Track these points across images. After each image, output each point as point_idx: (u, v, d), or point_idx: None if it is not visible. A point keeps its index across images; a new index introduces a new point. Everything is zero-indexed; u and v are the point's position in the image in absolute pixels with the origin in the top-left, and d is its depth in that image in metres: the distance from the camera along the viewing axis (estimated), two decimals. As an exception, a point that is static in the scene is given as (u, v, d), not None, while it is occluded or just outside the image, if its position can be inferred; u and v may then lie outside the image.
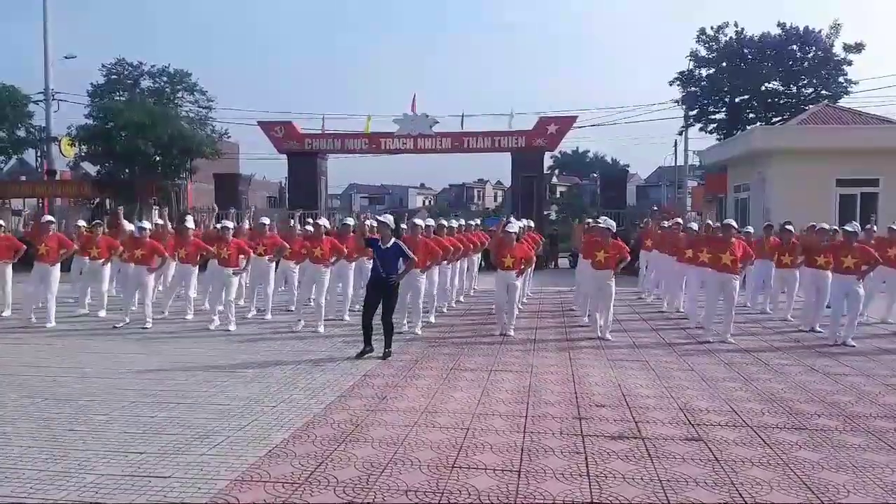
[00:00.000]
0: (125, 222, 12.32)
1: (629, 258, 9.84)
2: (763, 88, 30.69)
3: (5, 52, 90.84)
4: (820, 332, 9.55)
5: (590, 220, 11.40)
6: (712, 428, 5.26)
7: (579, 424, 5.33)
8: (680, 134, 37.17)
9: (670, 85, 32.68)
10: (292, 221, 11.71)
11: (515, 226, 10.15)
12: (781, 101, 31.32)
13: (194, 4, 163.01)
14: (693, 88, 31.99)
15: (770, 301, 11.70)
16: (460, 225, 13.01)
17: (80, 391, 6.31)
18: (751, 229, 12.28)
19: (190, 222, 11.15)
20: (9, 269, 11.22)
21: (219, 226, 10.65)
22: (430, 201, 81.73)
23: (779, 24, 30.78)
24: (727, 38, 31.18)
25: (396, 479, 4.18)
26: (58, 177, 25.76)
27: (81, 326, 10.25)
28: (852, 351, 8.44)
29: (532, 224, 12.88)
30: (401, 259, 7.94)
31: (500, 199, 74.32)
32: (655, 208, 23.13)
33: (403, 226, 9.90)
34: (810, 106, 26.51)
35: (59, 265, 10.53)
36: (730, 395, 6.27)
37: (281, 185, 38.16)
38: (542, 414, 5.61)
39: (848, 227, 9.36)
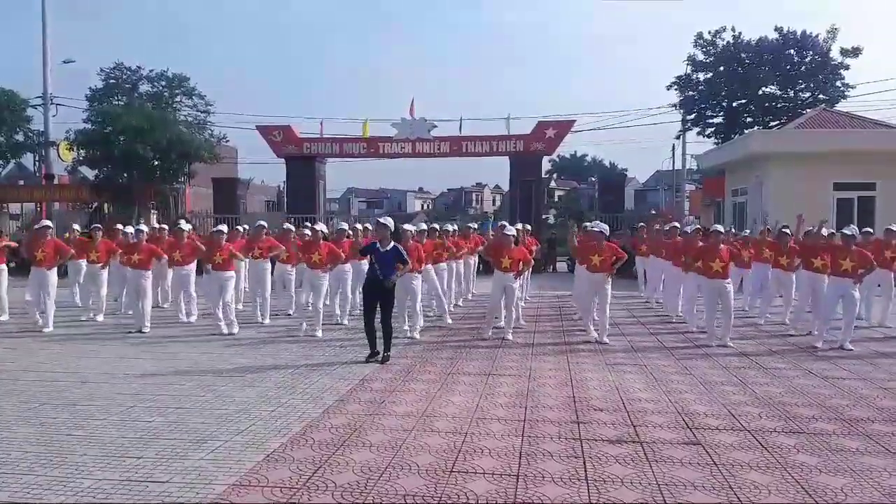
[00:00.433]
0: (121, 227, 12.33)
1: (625, 258, 9.87)
2: (760, 92, 30.78)
3: (4, 57, 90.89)
4: (815, 334, 9.54)
5: (587, 224, 11.39)
6: (710, 432, 5.26)
7: (577, 428, 5.33)
8: (678, 138, 37.37)
9: (668, 89, 32.79)
10: (286, 225, 11.70)
11: (512, 228, 10.15)
12: (779, 106, 31.41)
13: (193, 9, 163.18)
14: (691, 93, 32.06)
15: (766, 304, 11.70)
16: (455, 230, 13.04)
17: (78, 396, 6.30)
18: (748, 232, 12.30)
19: (185, 225, 11.16)
20: (3, 274, 11.21)
21: (213, 230, 10.64)
22: (428, 205, 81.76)
23: (776, 29, 30.92)
24: (724, 43, 31.28)
25: (395, 484, 4.18)
26: (56, 181, 25.77)
27: (79, 331, 10.24)
28: (850, 355, 8.45)
29: (529, 227, 12.92)
30: (399, 262, 7.95)
31: (498, 203, 74.35)
32: (654, 212, 23.17)
33: (409, 227, 9.88)
34: (808, 110, 26.58)
35: (56, 270, 10.53)
36: (727, 398, 6.27)
37: (279, 188, 38.16)
38: (541, 418, 5.61)
39: (846, 231, 9.38)
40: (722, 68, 31.07)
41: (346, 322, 10.60)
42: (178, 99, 30.26)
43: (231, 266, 10.06)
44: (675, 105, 32.52)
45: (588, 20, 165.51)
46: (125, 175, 23.14)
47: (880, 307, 10.81)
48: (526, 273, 11.41)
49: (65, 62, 28.20)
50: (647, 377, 7.16)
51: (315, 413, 5.73)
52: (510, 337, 9.40)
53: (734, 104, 31.45)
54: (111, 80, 30.15)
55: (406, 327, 9.57)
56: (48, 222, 10.95)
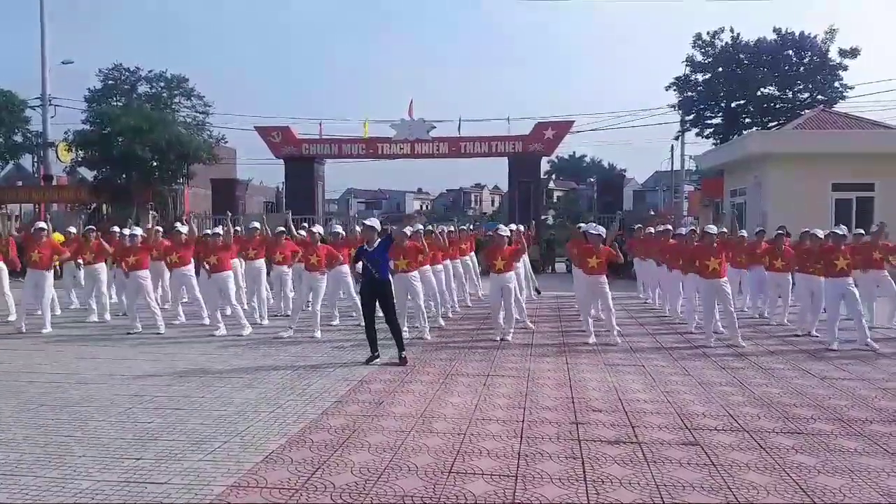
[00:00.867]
0: (117, 229, 12.31)
1: (621, 260, 9.89)
2: (759, 93, 30.77)
3: (2, 58, 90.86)
4: (816, 336, 9.57)
5: (581, 225, 11.37)
6: (709, 432, 5.27)
7: (576, 429, 5.33)
8: (676, 139, 37.39)
9: (666, 90, 32.78)
10: (281, 228, 11.70)
11: (506, 230, 10.14)
12: (777, 106, 31.41)
13: (192, 10, 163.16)
14: (689, 93, 32.07)
15: (768, 306, 11.71)
16: (451, 231, 13.05)
17: (77, 397, 6.30)
18: (744, 233, 12.30)
19: (182, 227, 11.17)
20: (4, 273, 11.21)
21: (209, 231, 10.64)
22: (427, 206, 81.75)
23: (774, 30, 30.91)
24: (723, 44, 31.28)
25: (393, 485, 4.18)
26: (54, 182, 25.75)
27: (78, 332, 10.24)
28: (848, 355, 8.45)
29: (522, 228, 12.90)
30: (387, 255, 7.97)
31: (497, 204, 74.37)
32: (652, 213, 23.17)
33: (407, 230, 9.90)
34: (806, 111, 26.56)
35: (52, 271, 10.53)
36: (726, 399, 6.28)
37: (278, 189, 38.13)
38: (539, 419, 5.61)
39: (837, 231, 9.39)
40: (721, 69, 31.06)
41: (336, 322, 10.62)
42: (176, 100, 30.24)
43: (227, 266, 10.07)
44: (673, 106, 32.53)
45: (588, 20, 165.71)
46: (124, 176, 23.14)
47: (886, 309, 10.77)
48: (524, 266, 11.37)
49: (63, 63, 28.22)
50: (646, 378, 7.16)
51: (314, 414, 5.73)
52: (509, 338, 9.40)
53: (733, 105, 31.45)
54: (110, 81, 30.14)
55: (406, 328, 9.56)
56: (43, 224, 10.98)
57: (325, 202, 28.89)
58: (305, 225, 11.66)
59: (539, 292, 14.67)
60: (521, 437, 5.12)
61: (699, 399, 6.29)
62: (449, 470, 4.44)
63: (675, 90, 32.35)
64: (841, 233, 9.28)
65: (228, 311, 10.39)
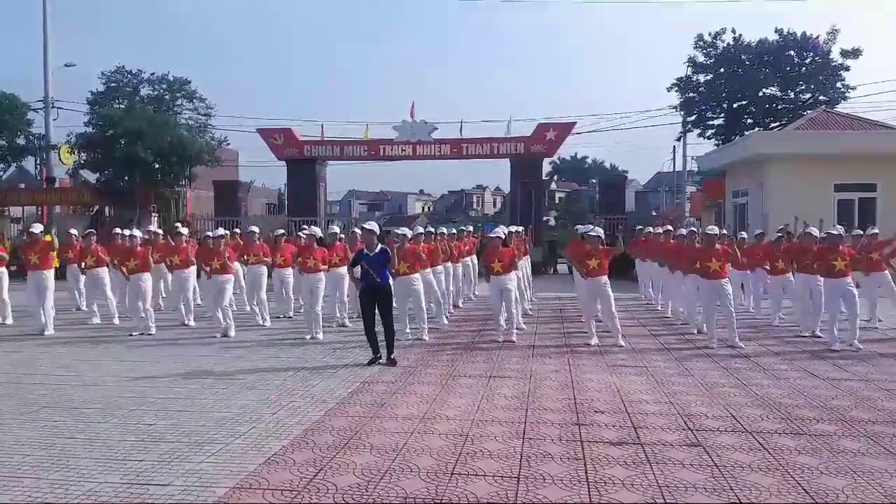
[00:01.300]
0: (119, 231, 12.33)
1: (621, 249, 9.91)
2: (761, 94, 30.73)
3: (5, 61, 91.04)
4: (820, 336, 9.54)
5: (578, 227, 11.38)
6: (711, 433, 5.26)
7: (578, 430, 5.33)
8: (678, 140, 37.37)
9: (668, 91, 32.76)
10: (280, 231, 11.74)
11: (501, 231, 10.12)
12: (779, 107, 31.37)
13: (194, 12, 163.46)
14: (691, 94, 32.05)
15: (771, 308, 11.67)
16: (451, 233, 13.06)
17: (79, 399, 6.31)
18: (744, 234, 12.29)
19: (182, 230, 11.20)
20: (4, 278, 11.24)
21: (208, 234, 10.64)
22: (429, 207, 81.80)
23: (776, 30, 30.87)
24: (725, 45, 31.25)
25: (396, 486, 4.18)
26: (57, 184, 25.82)
27: (81, 334, 10.25)
28: (850, 356, 8.43)
29: (521, 229, 12.90)
30: (388, 263, 7.98)
31: (499, 206, 74.36)
32: (655, 214, 23.14)
33: (406, 231, 9.91)
34: (808, 111, 26.54)
35: (53, 271, 10.54)
36: (728, 400, 6.27)
37: (280, 191, 38.19)
38: (542, 420, 5.61)
39: (832, 231, 9.37)
40: (722, 70, 31.03)
41: (349, 324, 10.63)
42: (178, 102, 30.33)
43: (229, 270, 10.08)
44: (675, 107, 32.51)
45: (589, 21, 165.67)
46: (126, 178, 23.18)
47: (892, 311, 10.75)
48: (524, 266, 11.35)
49: (66, 66, 28.29)
50: (648, 379, 7.15)
51: (316, 415, 5.73)
52: (514, 339, 9.40)
53: (735, 105, 31.41)
54: (112, 84, 30.23)
55: (408, 330, 9.57)
56: (39, 226, 11.03)
57: (327, 204, 28.90)
58: (305, 227, 11.66)
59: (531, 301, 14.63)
60: (524, 439, 5.11)
61: (701, 400, 6.28)
62: (451, 471, 4.43)
63: (676, 91, 32.34)
64: (836, 233, 9.25)
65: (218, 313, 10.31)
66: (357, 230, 11.36)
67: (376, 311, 7.91)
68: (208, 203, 27.34)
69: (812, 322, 9.86)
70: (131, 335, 9.93)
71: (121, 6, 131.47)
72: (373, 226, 8.31)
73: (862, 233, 11.04)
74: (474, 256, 13.99)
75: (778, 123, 30.06)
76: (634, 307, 13.33)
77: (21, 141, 25.55)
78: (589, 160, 75.68)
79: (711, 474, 4.40)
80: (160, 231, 11.94)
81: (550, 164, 58.25)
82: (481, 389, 6.65)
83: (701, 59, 31.70)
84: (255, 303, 11.31)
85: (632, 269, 15.10)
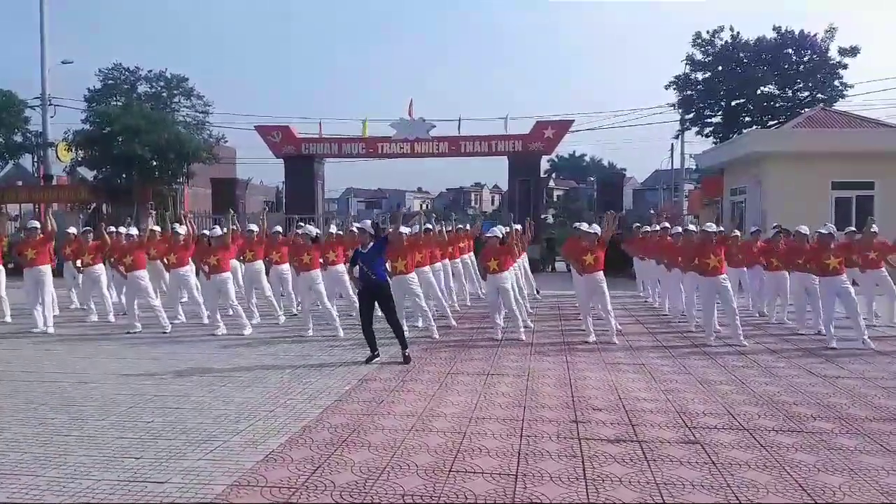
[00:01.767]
0: (113, 228, 12.31)
1: (608, 235, 9.91)
2: (759, 92, 30.73)
3: (2, 58, 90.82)
4: (825, 334, 9.46)
5: (576, 225, 11.37)
6: (709, 431, 5.27)
7: (576, 428, 5.33)
8: (676, 137, 37.38)
9: (666, 89, 32.76)
10: (278, 227, 11.74)
11: (499, 230, 10.12)
12: (777, 105, 31.37)
13: (192, 10, 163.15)
14: (689, 92, 32.05)
15: (766, 305, 11.71)
16: (448, 230, 13.05)
17: (77, 396, 6.30)
18: (738, 233, 12.29)
19: (179, 228, 11.17)
20: (2, 275, 11.22)
21: (206, 231, 10.63)
22: (427, 205, 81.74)
23: (774, 28, 30.88)
24: (723, 42, 31.25)
25: (393, 484, 4.18)
26: (54, 182, 25.74)
27: (79, 331, 10.24)
28: (848, 353, 8.44)
29: (519, 227, 12.87)
30: (383, 256, 7.98)
31: (496, 203, 74.35)
32: (652, 212, 23.16)
33: (407, 228, 9.95)
34: (806, 109, 26.56)
35: (50, 268, 10.53)
36: (726, 398, 6.28)
37: (278, 189, 38.17)
38: (539, 418, 5.62)
39: (822, 230, 9.33)
40: (720, 68, 31.02)
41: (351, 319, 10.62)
42: (176, 99, 30.30)
43: (226, 267, 10.07)
44: (673, 104, 32.51)
45: (588, 20, 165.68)
46: (123, 176, 23.13)
47: (886, 307, 10.78)
48: (525, 271, 11.36)
49: (63, 63, 28.22)
50: (646, 376, 7.16)
51: (314, 413, 5.73)
52: (523, 337, 9.39)
53: (733, 103, 31.40)
54: (109, 81, 30.18)
55: (406, 328, 9.56)
56: (36, 223, 10.99)
57: (325, 202, 28.89)
58: (302, 224, 11.65)
59: (538, 292, 14.65)
60: (521, 436, 5.12)
61: (699, 398, 6.29)
62: (449, 469, 4.44)
63: (674, 89, 32.33)
64: (826, 231, 9.21)
65: (231, 312, 10.42)
66: (353, 228, 11.35)
67: (375, 310, 7.92)
68: (206, 200, 27.28)
69: (814, 321, 9.87)
70: (128, 333, 9.92)
71: (119, 4, 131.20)
72: (365, 224, 8.33)
73: (856, 230, 11.02)
74: (472, 254, 13.98)
75: (776, 121, 30.08)
76: (632, 305, 13.34)
77: (18, 138, 25.46)
78: (587, 158, 75.67)
79: (709, 472, 4.41)
80: (158, 228, 11.89)
81: (548, 161, 58.11)
82: (479, 387, 6.66)
83: (699, 56, 31.71)
84: (252, 301, 11.31)
85: (630, 267, 15.11)
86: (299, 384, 6.78)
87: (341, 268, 10.55)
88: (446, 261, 11.99)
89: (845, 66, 30.36)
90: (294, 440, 5.02)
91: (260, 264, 11.31)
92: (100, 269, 11.45)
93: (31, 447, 4.87)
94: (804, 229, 10.01)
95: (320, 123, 24.32)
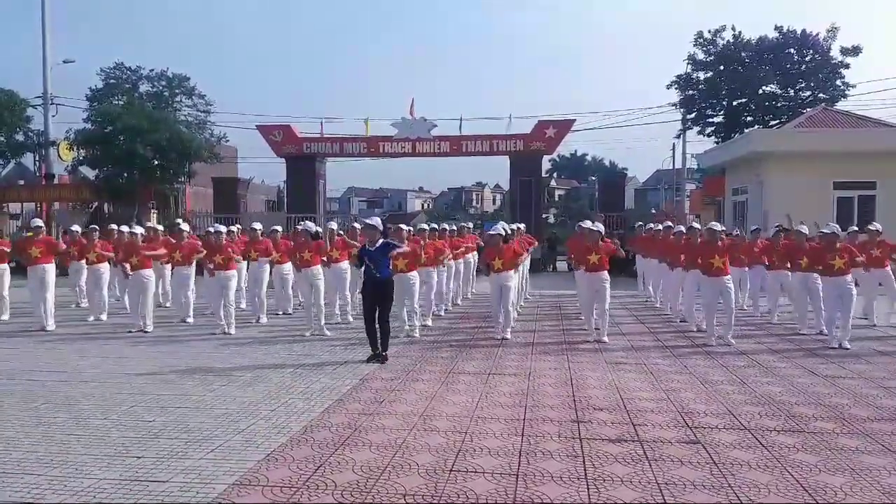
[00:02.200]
0: (117, 227, 12.32)
1: (619, 252, 9.91)
2: (761, 92, 30.72)
3: (4, 57, 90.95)
4: (826, 335, 9.43)
5: (580, 224, 11.37)
6: (710, 431, 5.27)
7: (577, 428, 5.33)
8: (678, 137, 37.33)
9: (668, 88, 32.74)
10: (278, 227, 11.74)
11: (500, 228, 10.10)
12: (779, 105, 31.35)
13: (194, 10, 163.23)
14: (691, 92, 32.03)
15: (769, 304, 11.69)
16: (452, 230, 13.06)
17: (78, 395, 6.31)
18: (737, 231, 12.30)
19: (184, 225, 11.18)
20: (6, 274, 11.23)
21: (211, 229, 10.62)
22: (428, 205, 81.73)
23: (776, 28, 30.86)
24: (725, 42, 31.23)
25: (395, 483, 4.18)
26: (56, 181, 25.78)
27: (81, 330, 10.25)
28: (849, 354, 8.44)
29: (523, 227, 12.88)
30: (390, 255, 7.97)
31: (498, 203, 74.33)
32: (654, 211, 23.14)
33: (407, 228, 9.94)
34: (808, 109, 26.54)
35: (53, 266, 10.53)
36: (727, 397, 6.27)
37: (279, 188, 38.16)
38: (541, 417, 5.61)
39: (825, 230, 9.31)
40: (722, 67, 31.01)
41: (350, 319, 10.63)
42: (178, 98, 30.31)
43: (232, 266, 10.06)
44: (675, 104, 32.49)
45: (588, 19, 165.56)
46: (125, 175, 23.16)
47: (885, 306, 10.78)
48: (523, 269, 11.36)
49: (65, 62, 28.22)
50: (647, 376, 7.16)
51: (315, 412, 5.73)
52: (508, 336, 9.40)
53: (734, 103, 31.39)
54: (111, 80, 30.20)
55: (407, 327, 9.58)
56: (39, 221, 10.98)
57: (326, 201, 28.88)
58: (301, 223, 11.65)
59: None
60: (523, 436, 5.12)
61: (700, 397, 6.28)
62: (450, 468, 4.44)
63: (676, 88, 32.32)
64: (831, 231, 9.18)
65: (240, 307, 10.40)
66: (357, 224, 11.36)
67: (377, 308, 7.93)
68: (207, 200, 27.31)
69: (816, 321, 9.86)
70: (130, 332, 9.92)
71: (120, 3, 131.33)
72: (375, 221, 8.32)
73: (858, 230, 11.02)
74: (475, 253, 13.99)
75: (777, 121, 30.05)
76: (633, 304, 13.34)
77: (20, 137, 25.51)
78: (588, 157, 75.65)
79: (710, 472, 4.40)
80: (160, 227, 11.90)
81: (550, 161, 58.18)
82: (480, 386, 6.66)
83: (701, 56, 31.69)
84: (253, 300, 11.32)
85: (632, 266, 15.10)
86: (300, 383, 6.78)
87: (344, 265, 10.55)
88: (451, 261, 11.97)
89: (847, 66, 30.35)
90: (295, 439, 5.02)
91: (264, 263, 11.26)
92: (104, 267, 11.46)
93: (33, 446, 4.87)
94: (804, 228, 10.00)
95: (321, 123, 24.36)
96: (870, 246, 10.36)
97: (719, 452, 4.76)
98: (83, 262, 11.79)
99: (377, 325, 7.89)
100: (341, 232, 11.38)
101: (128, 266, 10.25)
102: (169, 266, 11.65)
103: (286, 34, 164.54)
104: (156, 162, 23.18)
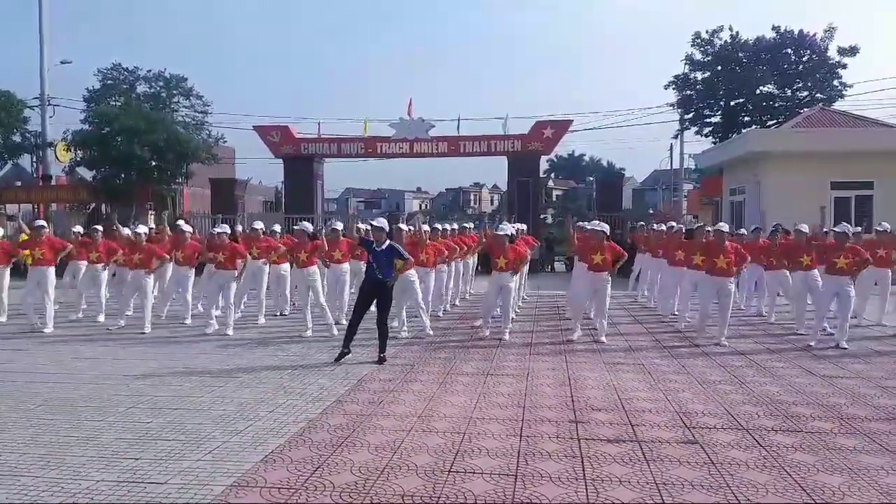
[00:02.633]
0: (121, 227, 12.33)
1: (626, 256, 9.92)
2: (758, 92, 30.77)
3: (2, 58, 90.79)
4: (832, 332, 9.38)
5: (585, 224, 11.37)
6: (708, 431, 5.27)
7: (575, 428, 5.33)
8: (675, 137, 37.39)
9: (665, 89, 32.78)
10: (277, 227, 11.75)
11: (508, 228, 10.13)
12: (776, 105, 31.41)
13: (192, 10, 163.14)
14: (688, 92, 32.06)
15: (766, 304, 11.71)
16: (454, 229, 13.05)
17: (76, 397, 6.29)
18: (743, 231, 12.32)
19: (185, 225, 11.17)
20: (6, 275, 11.21)
21: (215, 230, 10.62)
22: (426, 205, 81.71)
23: (773, 28, 30.91)
24: (722, 42, 31.28)
25: (393, 484, 4.18)
26: (53, 182, 25.74)
27: (77, 332, 10.22)
28: (847, 353, 8.46)
29: (525, 227, 12.89)
30: (395, 261, 7.96)
31: (496, 203, 74.33)
32: (652, 211, 23.17)
33: (404, 227, 9.94)
34: (805, 109, 26.59)
35: (54, 268, 10.52)
36: (725, 397, 6.28)
37: (277, 189, 38.14)
38: (539, 418, 5.61)
39: (836, 229, 9.36)
40: (720, 67, 31.07)
41: (344, 321, 10.60)
42: (175, 99, 30.24)
43: (233, 265, 10.04)
44: (672, 104, 32.53)
45: (587, 19, 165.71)
46: (122, 176, 23.11)
47: (877, 306, 10.82)
48: (523, 271, 11.40)
49: (62, 63, 28.19)
50: (645, 376, 7.16)
51: (313, 413, 5.72)
52: (507, 337, 9.39)
53: (732, 103, 31.43)
54: (108, 81, 30.11)
55: (405, 328, 9.57)
56: (43, 222, 10.96)
57: (324, 201, 28.87)
58: (301, 221, 11.64)
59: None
60: (521, 436, 5.12)
61: (698, 398, 6.29)
62: (448, 469, 4.44)
63: (674, 89, 32.36)
64: (841, 231, 9.20)
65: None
66: (362, 225, 11.32)
67: (371, 307, 7.92)
68: (205, 201, 27.26)
69: (816, 322, 9.85)
70: (109, 330, 9.93)
71: (118, 4, 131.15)
72: (381, 222, 8.29)
73: (860, 229, 11.06)
74: (475, 256, 13.98)
75: (775, 121, 30.11)
76: (631, 305, 13.35)
77: (17, 138, 25.43)
78: (586, 158, 75.67)
79: (708, 472, 4.41)
80: (165, 227, 11.89)
81: (547, 161, 58.18)
82: (478, 387, 6.65)
83: (698, 56, 31.72)
84: (252, 300, 11.31)
85: (629, 265, 15.08)
86: (299, 384, 6.77)
87: (344, 267, 10.54)
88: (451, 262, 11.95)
89: (844, 66, 30.41)
90: (293, 440, 5.02)
91: (264, 263, 11.24)
92: (101, 267, 11.44)
93: (30, 448, 4.86)
94: (804, 227, 10.02)
95: (319, 123, 24.39)
96: (877, 245, 10.37)
97: (717, 452, 4.76)
98: (83, 261, 11.75)
99: (375, 327, 7.88)
100: (341, 230, 11.23)
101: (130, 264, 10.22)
102: (170, 266, 11.61)
103: (285, 34, 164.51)
104: (153, 163, 23.12)
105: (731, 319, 9.43)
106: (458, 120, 23.84)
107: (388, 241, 7.98)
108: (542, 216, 27.67)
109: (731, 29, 31.19)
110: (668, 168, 44.32)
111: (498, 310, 9.78)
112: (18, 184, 28.05)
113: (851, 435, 5.17)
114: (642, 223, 15.11)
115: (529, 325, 10.85)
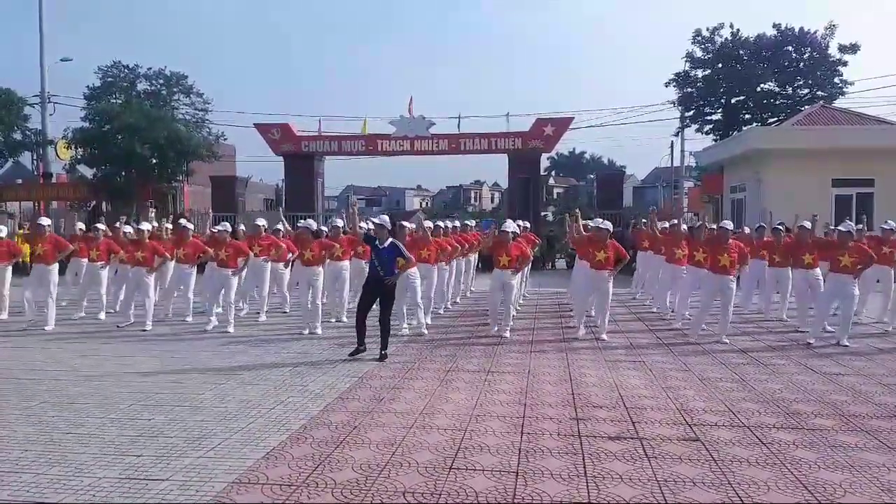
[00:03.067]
0: (123, 225, 12.33)
1: (627, 258, 9.91)
2: (759, 89, 30.72)
3: (2, 55, 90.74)
4: (832, 331, 9.38)
5: (588, 223, 11.35)
6: (709, 428, 5.27)
7: (577, 425, 5.34)
8: (676, 135, 37.34)
9: (666, 86, 32.74)
10: (280, 225, 11.73)
11: (512, 226, 10.13)
12: (777, 102, 31.37)
13: (192, 8, 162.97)
14: (689, 89, 32.02)
15: (765, 301, 11.70)
16: (455, 227, 13.03)
17: (77, 394, 6.30)
18: (747, 229, 12.32)
19: (187, 224, 11.14)
20: (8, 273, 11.22)
21: (217, 228, 10.61)
22: (426, 203, 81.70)
23: (774, 26, 30.85)
24: (723, 40, 31.22)
25: (394, 481, 4.18)
26: (54, 180, 25.74)
27: (79, 329, 10.23)
28: (848, 351, 8.46)
29: (528, 225, 12.87)
30: (397, 264, 7.95)
31: (496, 201, 74.34)
32: (653, 209, 23.14)
33: (408, 225, 9.95)
34: (806, 107, 26.56)
35: (56, 266, 10.52)
36: (727, 395, 6.28)
37: (277, 187, 38.10)
38: (540, 415, 5.62)
39: (841, 227, 9.35)
40: (720, 65, 31.02)
41: (345, 319, 10.60)
42: (176, 97, 30.20)
43: (234, 263, 10.04)
44: (673, 102, 32.48)
45: (587, 19, 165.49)
46: (123, 173, 23.10)
47: (878, 303, 10.81)
48: (525, 269, 11.38)
49: (62, 60, 28.17)
50: (646, 374, 7.16)
51: (314, 410, 5.73)
52: (507, 335, 9.39)
53: (733, 101, 31.39)
54: (109, 79, 30.06)
55: (405, 326, 9.57)
56: (45, 219, 10.95)
57: (324, 199, 28.85)
58: (302, 220, 11.61)
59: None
60: (522, 433, 5.12)
61: (700, 395, 6.29)
62: (450, 466, 4.44)
63: (674, 86, 32.31)
64: (846, 229, 9.18)
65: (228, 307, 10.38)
66: (371, 223, 11.31)
67: (374, 304, 7.92)
68: (206, 198, 27.23)
69: (817, 321, 9.85)
70: (118, 327, 9.93)
71: (118, 2, 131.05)
72: (384, 219, 8.32)
73: (862, 226, 11.03)
74: (476, 254, 13.97)
75: (776, 119, 30.07)
76: (633, 303, 13.34)
77: (17, 136, 25.40)
78: (587, 155, 75.70)
79: (709, 469, 4.41)
80: (168, 225, 11.87)
81: (548, 159, 58.24)
82: (479, 384, 6.66)
83: (699, 54, 31.68)
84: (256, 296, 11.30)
85: (630, 263, 15.07)
86: (300, 382, 6.77)
87: (344, 264, 10.52)
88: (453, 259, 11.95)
89: (845, 64, 30.37)
90: (294, 438, 5.02)
91: (266, 261, 11.23)
92: (101, 265, 11.43)
93: (32, 445, 4.86)
94: (807, 224, 10.01)
95: (319, 121, 24.35)
96: (881, 243, 10.36)
97: (719, 449, 4.76)
98: (84, 258, 11.75)
99: (378, 324, 7.89)
100: (343, 227, 11.19)
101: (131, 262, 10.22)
102: (171, 265, 11.61)
103: (285, 33, 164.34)
104: (154, 161, 23.10)
105: (731, 317, 9.42)
106: (459, 118, 23.83)
107: (390, 239, 7.99)
108: (542, 214, 27.61)
109: (731, 26, 31.16)
110: (669, 166, 44.27)
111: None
112: (19, 181, 28.05)
113: (853, 432, 5.17)
114: (644, 220, 15.07)
115: (530, 322, 10.85)
